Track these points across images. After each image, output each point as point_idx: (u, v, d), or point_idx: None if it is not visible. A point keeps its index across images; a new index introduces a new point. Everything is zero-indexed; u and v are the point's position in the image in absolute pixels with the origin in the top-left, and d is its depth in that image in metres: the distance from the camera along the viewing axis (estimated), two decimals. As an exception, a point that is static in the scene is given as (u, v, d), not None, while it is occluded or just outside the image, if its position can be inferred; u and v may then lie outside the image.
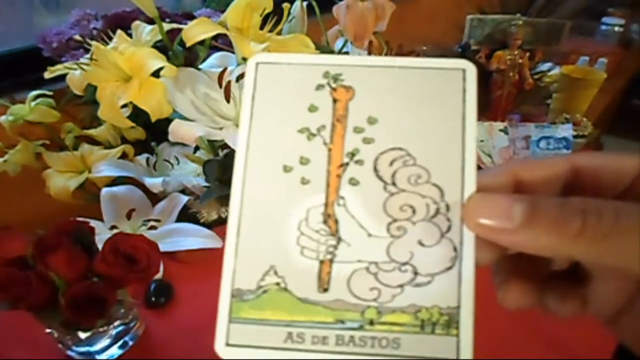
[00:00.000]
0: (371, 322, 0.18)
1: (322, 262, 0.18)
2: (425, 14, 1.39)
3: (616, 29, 1.88)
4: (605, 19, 1.90)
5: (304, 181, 0.19)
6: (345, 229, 0.19)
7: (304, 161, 0.19)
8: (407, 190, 0.19)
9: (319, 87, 0.20)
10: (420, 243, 0.18)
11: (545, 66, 0.96)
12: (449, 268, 0.18)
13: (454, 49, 0.82)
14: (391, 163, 0.19)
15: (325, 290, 0.18)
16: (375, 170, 0.19)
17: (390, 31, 0.74)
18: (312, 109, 0.20)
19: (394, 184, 0.19)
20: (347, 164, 0.19)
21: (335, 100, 0.20)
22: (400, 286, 0.18)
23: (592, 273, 0.21)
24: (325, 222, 0.19)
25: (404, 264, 0.18)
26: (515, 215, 0.17)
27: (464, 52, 0.76)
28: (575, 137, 0.83)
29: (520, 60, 0.87)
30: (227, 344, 0.19)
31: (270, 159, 0.19)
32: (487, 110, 0.93)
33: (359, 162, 0.19)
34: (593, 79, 0.91)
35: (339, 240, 0.19)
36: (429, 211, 0.19)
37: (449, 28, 0.89)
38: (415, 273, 0.18)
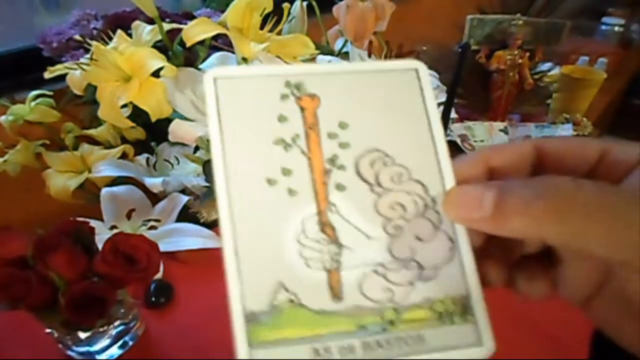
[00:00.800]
0: (392, 323, 0.18)
1: (329, 271, 0.18)
2: (425, 14, 1.39)
3: (616, 29, 1.88)
4: (605, 19, 1.90)
5: (292, 192, 0.19)
6: (344, 234, 0.19)
7: (286, 172, 0.19)
8: (393, 190, 0.19)
9: (284, 97, 0.20)
10: (418, 238, 0.19)
11: (545, 66, 0.96)
12: (450, 258, 0.19)
13: (454, 49, 0.82)
14: (372, 165, 0.19)
15: (340, 298, 0.18)
16: (359, 173, 0.19)
17: (390, 31, 0.74)
18: (282, 119, 0.19)
19: (379, 184, 0.19)
20: (330, 170, 0.19)
21: (302, 109, 0.19)
22: (411, 283, 0.18)
23: (563, 256, 0.21)
24: (322, 230, 0.18)
25: (408, 260, 0.19)
26: (487, 205, 0.18)
27: (464, 52, 0.76)
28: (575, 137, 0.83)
29: (520, 60, 0.87)
30: None
31: (252, 175, 0.18)
32: (487, 110, 0.93)
33: (341, 168, 0.19)
34: (593, 79, 0.91)
35: (341, 246, 0.18)
36: (418, 207, 0.19)
37: (449, 28, 0.89)
38: (421, 268, 0.19)
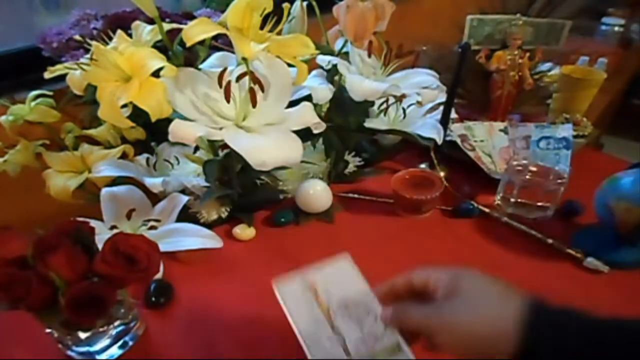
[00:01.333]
0: None
1: (344, 348, 0.43)
2: (425, 14, 1.39)
3: (616, 29, 1.88)
4: (605, 19, 1.90)
5: (321, 322, 0.44)
6: (345, 332, 0.44)
7: (319, 317, 0.45)
8: (357, 311, 0.45)
9: (307, 287, 0.47)
10: (372, 327, 0.44)
11: (545, 66, 0.96)
12: (386, 331, 0.43)
13: (454, 49, 0.82)
14: (344, 303, 0.46)
15: (350, 356, 0.43)
16: (340, 307, 0.45)
17: (390, 31, 0.74)
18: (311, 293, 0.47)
19: (348, 310, 0.45)
20: (329, 309, 0.45)
21: (313, 290, 0.47)
22: (374, 344, 0.43)
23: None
24: (335, 333, 0.44)
25: (372, 335, 0.43)
26: (388, 318, 0.44)
27: (464, 52, 0.76)
28: (575, 137, 0.83)
29: (520, 60, 0.87)
30: None
31: (309, 321, 0.45)
32: (487, 110, 0.93)
33: (331, 306, 0.45)
34: (593, 79, 0.91)
35: (344, 339, 0.43)
36: (368, 315, 0.45)
37: (449, 28, 0.89)
38: (377, 337, 0.43)
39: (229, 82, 0.56)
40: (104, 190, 0.67)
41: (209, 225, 0.67)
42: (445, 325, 0.39)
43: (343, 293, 0.46)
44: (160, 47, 0.60)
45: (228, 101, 0.56)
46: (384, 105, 0.80)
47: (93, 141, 0.74)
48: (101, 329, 0.49)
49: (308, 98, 0.67)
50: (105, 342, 0.50)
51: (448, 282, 0.41)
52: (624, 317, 0.37)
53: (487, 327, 0.38)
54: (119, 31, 0.68)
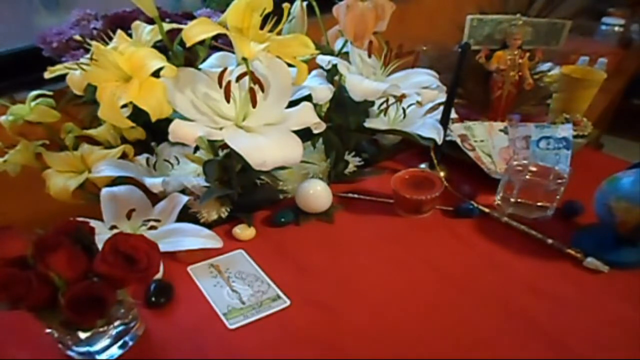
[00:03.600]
0: None
1: (241, 300, 0.55)
2: (425, 14, 1.39)
3: (616, 29, 1.88)
4: (605, 19, 1.90)
5: (223, 286, 0.59)
6: (242, 293, 0.58)
7: (222, 282, 0.60)
8: (253, 282, 0.61)
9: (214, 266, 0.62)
10: (262, 288, 0.58)
11: (545, 66, 0.96)
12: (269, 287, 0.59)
13: (454, 49, 0.82)
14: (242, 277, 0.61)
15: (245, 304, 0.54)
16: (240, 281, 0.60)
17: (390, 31, 0.74)
18: None
19: None
20: (230, 280, 0.61)
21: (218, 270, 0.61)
22: (262, 296, 0.55)
23: None
24: (233, 292, 0.57)
25: (259, 292, 0.57)
26: None
27: (464, 52, 0.76)
28: (575, 137, 0.83)
29: (520, 60, 0.87)
30: None
31: (214, 286, 0.58)
32: (487, 110, 0.93)
33: (232, 279, 0.61)
34: (593, 79, 0.91)
35: (240, 296, 0.57)
36: (258, 280, 0.61)
37: (449, 28, 0.89)
38: (263, 292, 0.58)
39: (229, 82, 0.56)
40: (104, 190, 0.67)
41: (209, 225, 0.67)
42: None
43: (238, 269, 0.63)
44: (160, 47, 0.60)
45: (228, 101, 0.56)
46: (384, 105, 0.80)
47: (93, 141, 0.74)
48: (101, 329, 0.49)
49: (308, 98, 0.67)
50: (105, 342, 0.50)
51: None
52: None
53: None
54: (119, 31, 0.68)
